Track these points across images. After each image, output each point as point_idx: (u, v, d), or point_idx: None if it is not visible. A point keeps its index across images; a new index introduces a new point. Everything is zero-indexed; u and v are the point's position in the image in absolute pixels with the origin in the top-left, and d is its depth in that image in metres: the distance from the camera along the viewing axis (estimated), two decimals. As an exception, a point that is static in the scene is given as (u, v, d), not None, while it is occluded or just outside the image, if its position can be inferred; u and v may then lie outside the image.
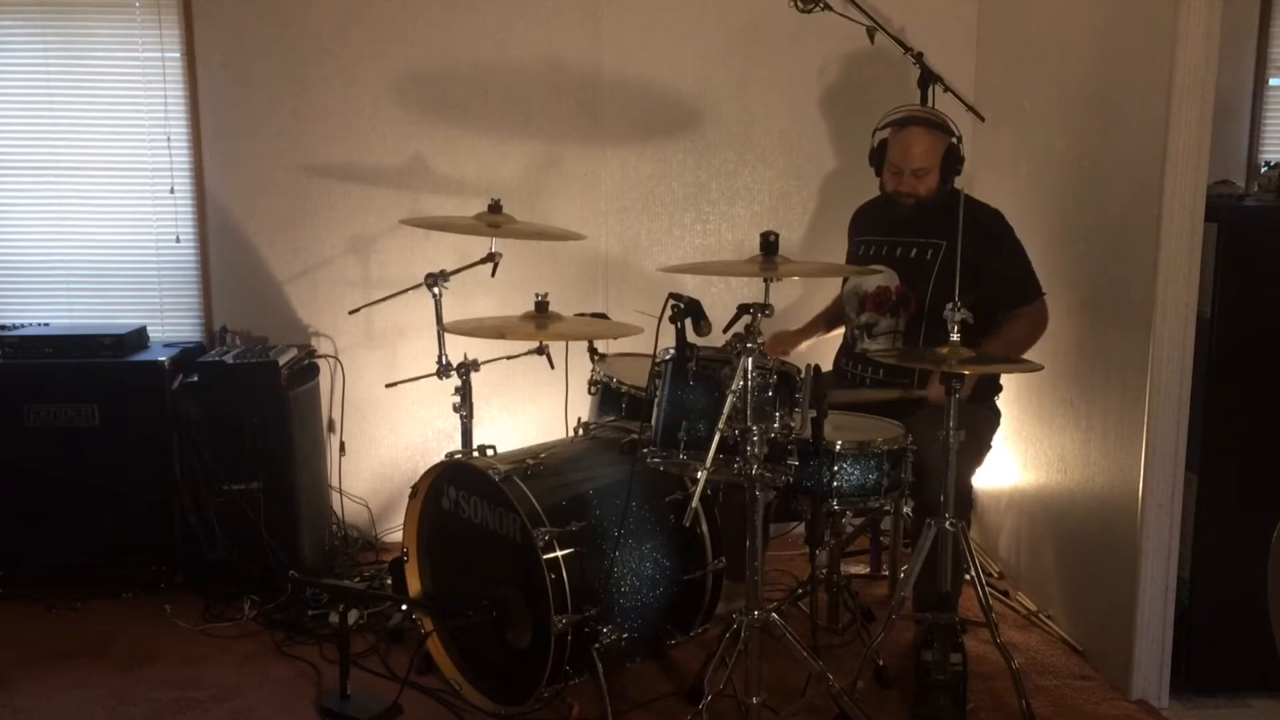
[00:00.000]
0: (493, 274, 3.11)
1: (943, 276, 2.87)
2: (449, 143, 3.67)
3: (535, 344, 3.02)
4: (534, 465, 2.51)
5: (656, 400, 2.43)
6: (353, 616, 2.48)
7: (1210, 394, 2.60)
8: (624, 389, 2.86)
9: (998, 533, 3.58)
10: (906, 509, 2.93)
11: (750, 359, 2.21)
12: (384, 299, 3.20)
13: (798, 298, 3.67)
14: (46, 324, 3.53)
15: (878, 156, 2.99)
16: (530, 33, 3.63)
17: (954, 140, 2.92)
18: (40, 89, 3.55)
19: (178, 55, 3.55)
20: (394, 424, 3.79)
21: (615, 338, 3.02)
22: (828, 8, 3.28)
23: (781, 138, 3.75)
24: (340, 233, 3.68)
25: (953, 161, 2.91)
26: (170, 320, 3.67)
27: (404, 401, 3.69)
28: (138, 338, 3.40)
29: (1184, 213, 2.52)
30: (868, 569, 3.45)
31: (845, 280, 3.19)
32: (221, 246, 3.66)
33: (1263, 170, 3.17)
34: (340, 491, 3.74)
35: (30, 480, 3.19)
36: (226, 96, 3.59)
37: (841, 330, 3.24)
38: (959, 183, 3.05)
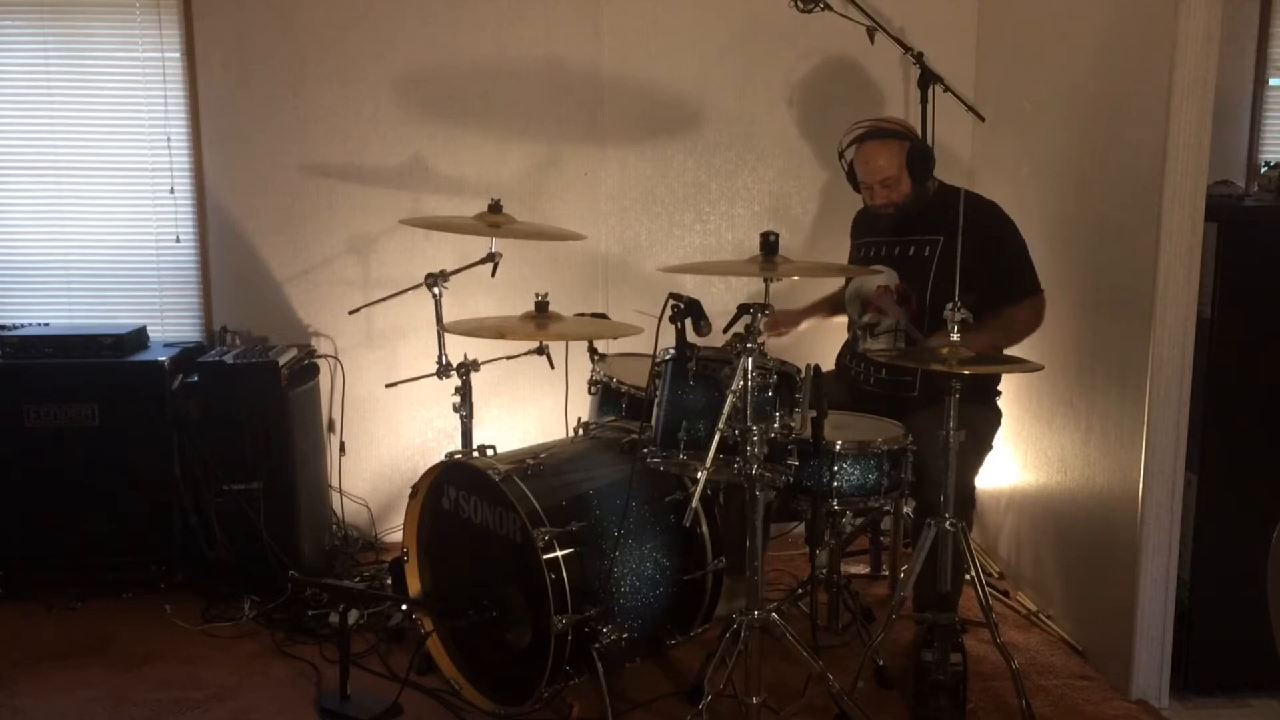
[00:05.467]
0: (493, 274, 3.11)
1: (941, 272, 2.87)
2: (449, 143, 3.67)
3: (535, 344, 3.02)
4: (534, 465, 2.51)
5: (656, 400, 2.43)
6: (353, 616, 2.49)
7: (1210, 394, 2.60)
8: (624, 389, 2.86)
9: (998, 533, 3.58)
10: (907, 509, 2.94)
11: (750, 359, 2.21)
12: (384, 299, 3.20)
13: (797, 298, 3.66)
14: (46, 324, 3.53)
15: (852, 177, 3.02)
16: (530, 33, 3.63)
17: (912, 142, 2.92)
18: (40, 89, 3.55)
19: (178, 55, 3.55)
20: (394, 424, 3.79)
21: (615, 338, 3.02)
22: (828, 8, 3.29)
23: (781, 138, 3.75)
24: (340, 233, 3.68)
25: (919, 162, 2.90)
26: (170, 320, 3.67)
27: (404, 401, 3.69)
28: (138, 338, 3.39)
29: (1184, 213, 2.52)
30: (868, 569, 3.45)
31: (848, 280, 3.19)
32: (221, 246, 3.66)
33: (1263, 170, 3.17)
34: (340, 491, 3.74)
35: (30, 480, 3.19)
36: (226, 96, 3.59)
37: (841, 318, 3.24)
38: (958, 182, 3.05)
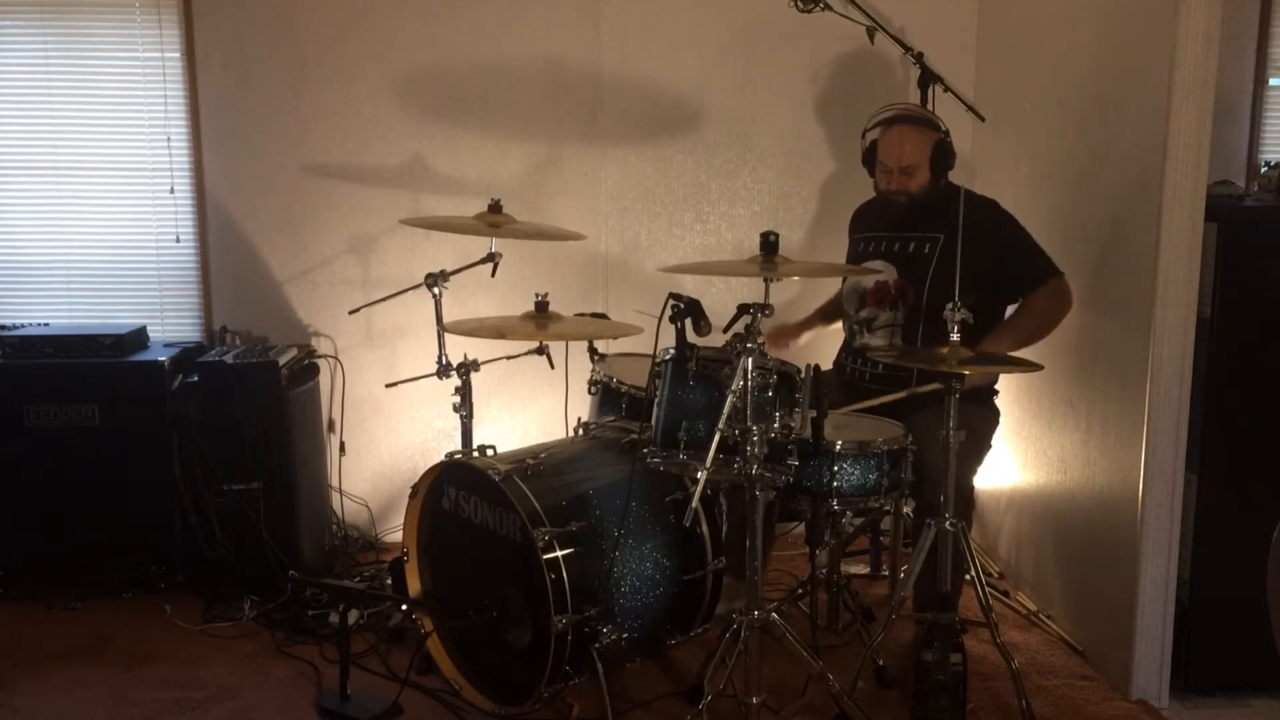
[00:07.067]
0: (493, 274, 3.11)
1: (941, 269, 2.87)
2: (449, 143, 3.67)
3: (535, 344, 3.02)
4: (534, 465, 2.51)
5: (656, 400, 2.43)
6: (353, 616, 2.49)
7: (1210, 394, 2.60)
8: (624, 389, 2.86)
9: (998, 533, 3.58)
10: (907, 509, 2.94)
11: (750, 359, 2.21)
12: (384, 299, 3.20)
13: (797, 297, 3.67)
14: (46, 324, 3.53)
15: (869, 157, 3.01)
16: (530, 33, 3.64)
17: (941, 135, 2.93)
18: (40, 89, 3.55)
19: (178, 55, 3.56)
20: (394, 424, 3.79)
21: (615, 338, 3.02)
22: (828, 8, 3.29)
23: (781, 138, 3.75)
24: (340, 233, 3.69)
25: (943, 156, 2.91)
26: (170, 320, 3.67)
27: (404, 401, 3.69)
28: (138, 338, 3.39)
29: (1184, 213, 2.52)
30: (868, 569, 3.45)
31: (845, 278, 3.20)
32: (221, 246, 3.66)
33: (1263, 170, 3.17)
34: (340, 491, 3.74)
35: (30, 480, 3.19)
36: (226, 96, 3.59)
37: (838, 324, 3.25)
38: (959, 181, 3.05)
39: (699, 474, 2.15)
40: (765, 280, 2.37)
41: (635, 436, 2.57)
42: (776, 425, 2.31)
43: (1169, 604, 2.65)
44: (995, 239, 2.86)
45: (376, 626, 2.95)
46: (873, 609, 3.09)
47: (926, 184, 2.92)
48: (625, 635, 2.46)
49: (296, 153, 3.63)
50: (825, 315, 3.38)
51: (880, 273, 3.00)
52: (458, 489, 2.61)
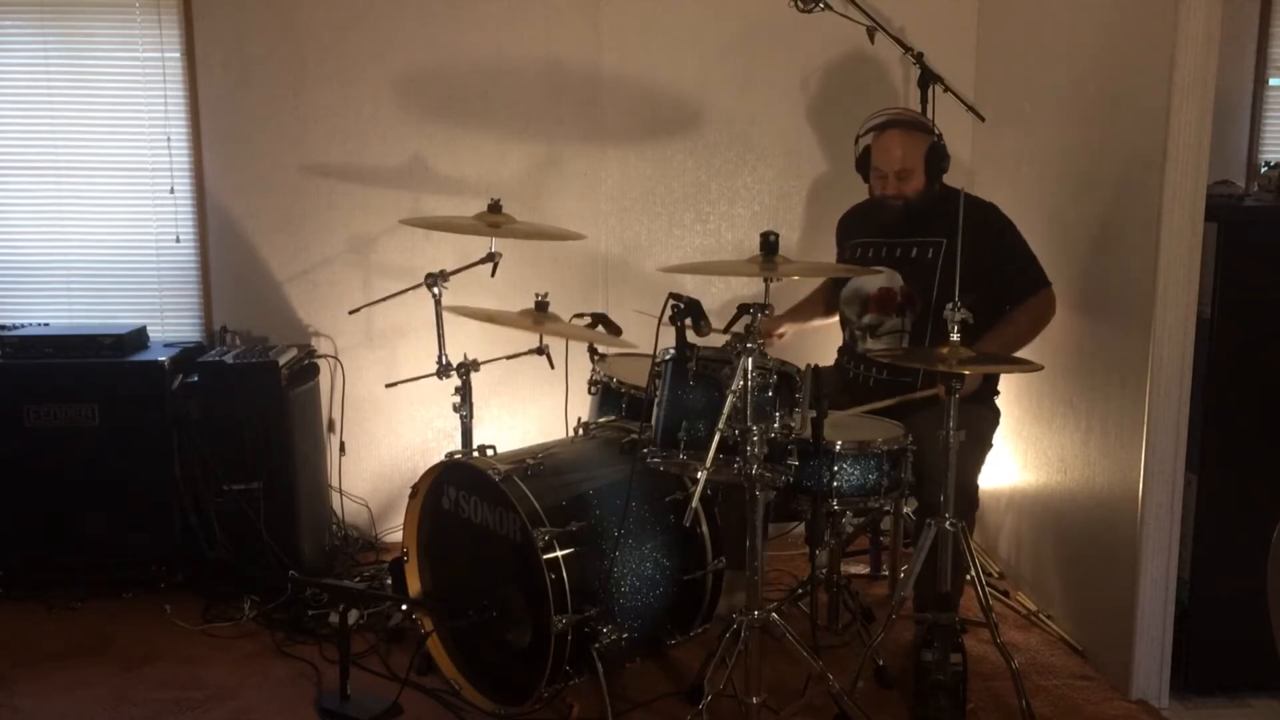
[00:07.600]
0: (493, 274, 3.11)
1: (947, 275, 2.87)
2: (449, 143, 3.67)
3: (535, 344, 3.02)
4: (534, 465, 2.51)
5: (656, 400, 2.43)
6: (353, 616, 2.49)
7: (1210, 394, 2.60)
8: (624, 389, 2.86)
9: (998, 533, 3.58)
10: (907, 509, 2.94)
11: (750, 359, 2.21)
12: (384, 299, 3.20)
13: (797, 297, 3.66)
14: (46, 324, 3.52)
15: (863, 163, 3.02)
16: (530, 33, 3.63)
17: (935, 139, 2.93)
18: (40, 89, 3.55)
19: (178, 55, 3.55)
20: (394, 424, 3.79)
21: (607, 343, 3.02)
22: (828, 8, 3.29)
23: (781, 138, 3.75)
24: (340, 233, 3.68)
25: (937, 160, 2.92)
26: (170, 320, 3.67)
27: (404, 401, 3.69)
28: (138, 338, 3.39)
29: (1184, 213, 2.52)
30: (868, 569, 3.45)
31: (834, 282, 3.18)
32: (221, 246, 3.66)
33: (1263, 170, 3.17)
34: (340, 491, 3.74)
35: (30, 480, 3.19)
36: (226, 96, 3.59)
37: (815, 323, 3.28)
38: (958, 181, 3.05)
39: (699, 474, 2.15)
40: (765, 280, 2.37)
41: (635, 436, 2.57)
42: (776, 425, 2.31)
43: (1169, 604, 2.65)
44: (997, 244, 2.87)
45: (376, 626, 2.95)
46: (873, 609, 3.09)
47: (922, 188, 2.92)
48: (625, 635, 2.46)
49: (296, 153, 3.63)
50: (802, 315, 3.35)
51: (881, 273, 2.99)
52: (458, 489, 2.61)
